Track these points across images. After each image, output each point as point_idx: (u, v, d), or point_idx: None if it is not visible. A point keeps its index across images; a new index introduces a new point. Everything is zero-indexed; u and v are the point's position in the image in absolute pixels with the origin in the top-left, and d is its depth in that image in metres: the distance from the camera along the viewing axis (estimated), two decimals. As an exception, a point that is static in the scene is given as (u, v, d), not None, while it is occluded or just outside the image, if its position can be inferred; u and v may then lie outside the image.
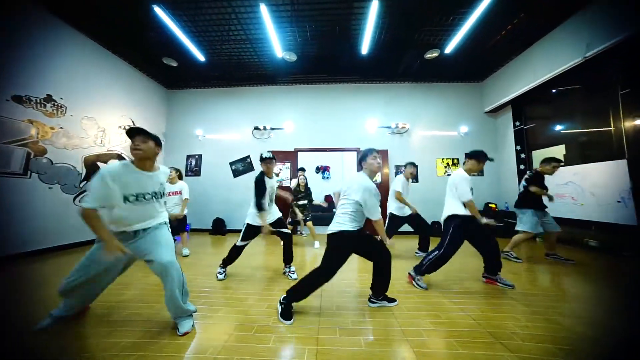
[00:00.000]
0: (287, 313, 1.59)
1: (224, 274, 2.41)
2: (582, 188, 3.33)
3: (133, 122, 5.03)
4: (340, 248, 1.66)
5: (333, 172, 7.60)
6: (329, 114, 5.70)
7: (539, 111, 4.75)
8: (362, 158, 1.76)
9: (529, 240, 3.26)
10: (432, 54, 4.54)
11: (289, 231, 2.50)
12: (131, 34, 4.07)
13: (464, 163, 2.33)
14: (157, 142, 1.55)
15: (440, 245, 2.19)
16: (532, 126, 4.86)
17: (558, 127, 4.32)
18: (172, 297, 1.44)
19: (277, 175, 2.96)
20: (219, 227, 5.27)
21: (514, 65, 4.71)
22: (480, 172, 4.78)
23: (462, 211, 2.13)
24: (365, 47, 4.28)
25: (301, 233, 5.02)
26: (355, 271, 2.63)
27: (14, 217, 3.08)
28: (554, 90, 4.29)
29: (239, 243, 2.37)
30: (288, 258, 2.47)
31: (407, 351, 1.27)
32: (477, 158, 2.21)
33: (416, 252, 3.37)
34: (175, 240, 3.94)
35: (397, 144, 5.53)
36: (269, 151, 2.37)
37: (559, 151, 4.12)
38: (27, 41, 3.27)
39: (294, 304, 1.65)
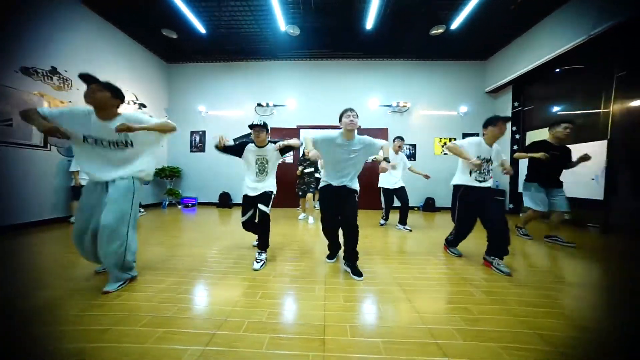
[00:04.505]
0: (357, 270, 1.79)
1: (261, 263, 1.99)
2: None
3: (136, 97, 5.05)
4: None
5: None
6: (331, 91, 5.71)
7: (538, 92, 4.82)
8: (339, 119, 1.89)
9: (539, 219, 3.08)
10: (437, 30, 4.48)
11: (267, 210, 2.06)
12: (130, 3, 3.95)
13: (482, 135, 2.14)
14: (115, 94, 1.58)
15: (454, 221, 2.23)
16: (530, 108, 4.96)
17: (555, 109, 4.42)
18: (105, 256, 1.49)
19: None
20: (225, 201, 5.57)
21: (519, 44, 4.67)
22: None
23: (462, 180, 2.09)
24: (370, 22, 4.21)
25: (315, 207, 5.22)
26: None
27: (38, 187, 3.30)
28: (557, 70, 4.32)
29: (242, 219, 2.20)
30: (261, 243, 2.09)
31: (396, 288, 1.59)
32: (493, 123, 2.03)
33: (396, 226, 3.52)
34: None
35: (398, 122, 5.64)
36: (261, 120, 2.17)
37: (552, 132, 4.31)
38: (30, 12, 3.21)
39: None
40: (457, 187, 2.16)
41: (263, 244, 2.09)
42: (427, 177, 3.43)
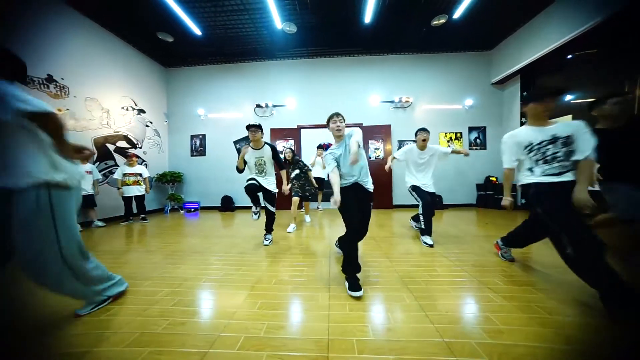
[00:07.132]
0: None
1: (269, 241, 2.66)
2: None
3: (135, 102, 5.02)
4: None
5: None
6: (331, 89, 5.59)
7: (549, 81, 4.59)
8: (327, 123, 1.82)
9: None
10: (439, 21, 4.31)
11: (273, 210, 2.62)
12: (124, 7, 3.90)
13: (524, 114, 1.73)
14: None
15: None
16: (539, 97, 4.72)
17: (568, 97, 4.20)
18: None
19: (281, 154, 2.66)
20: (227, 205, 5.49)
21: (527, 30, 4.46)
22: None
23: (528, 179, 1.54)
24: (368, 15, 4.07)
25: (317, 208, 5.22)
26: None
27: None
28: (569, 56, 4.09)
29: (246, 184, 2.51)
30: (268, 228, 2.68)
31: (406, 294, 1.46)
32: (536, 99, 1.48)
33: (410, 221, 3.27)
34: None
35: (400, 118, 5.48)
36: (256, 122, 2.47)
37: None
38: (24, 20, 3.19)
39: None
40: (525, 188, 1.58)
41: (269, 229, 2.69)
42: (466, 154, 2.77)
